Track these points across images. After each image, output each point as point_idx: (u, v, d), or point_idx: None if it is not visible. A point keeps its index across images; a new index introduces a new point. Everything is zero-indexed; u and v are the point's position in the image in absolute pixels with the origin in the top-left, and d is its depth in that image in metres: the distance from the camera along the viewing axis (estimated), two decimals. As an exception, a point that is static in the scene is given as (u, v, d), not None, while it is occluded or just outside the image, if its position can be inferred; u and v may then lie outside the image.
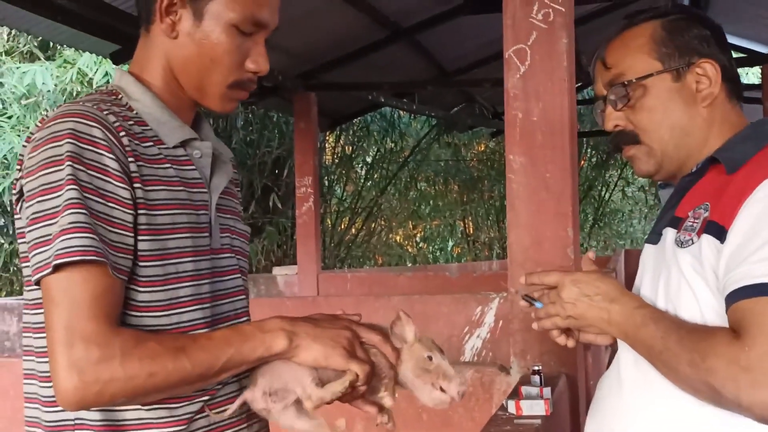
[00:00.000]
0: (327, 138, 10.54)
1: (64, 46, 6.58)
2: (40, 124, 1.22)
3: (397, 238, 12.67)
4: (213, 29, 1.25)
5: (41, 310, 1.16)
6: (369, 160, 11.56)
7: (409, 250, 12.86)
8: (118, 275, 1.14)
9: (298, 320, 1.23)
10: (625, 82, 1.37)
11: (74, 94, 8.37)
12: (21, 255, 1.23)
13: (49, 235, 1.11)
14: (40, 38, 7.56)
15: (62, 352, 1.09)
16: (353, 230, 11.11)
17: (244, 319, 1.33)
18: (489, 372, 2.56)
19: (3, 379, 3.33)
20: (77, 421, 1.18)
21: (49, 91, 8.32)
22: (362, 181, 11.39)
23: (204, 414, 1.23)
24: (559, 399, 2.12)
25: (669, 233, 1.31)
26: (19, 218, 1.21)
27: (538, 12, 2.33)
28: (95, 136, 1.16)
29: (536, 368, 2.09)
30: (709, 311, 1.19)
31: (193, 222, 1.24)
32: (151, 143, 1.23)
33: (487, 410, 2.49)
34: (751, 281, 1.09)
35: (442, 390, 1.25)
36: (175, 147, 1.27)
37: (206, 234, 1.27)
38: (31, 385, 1.24)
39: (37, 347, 1.21)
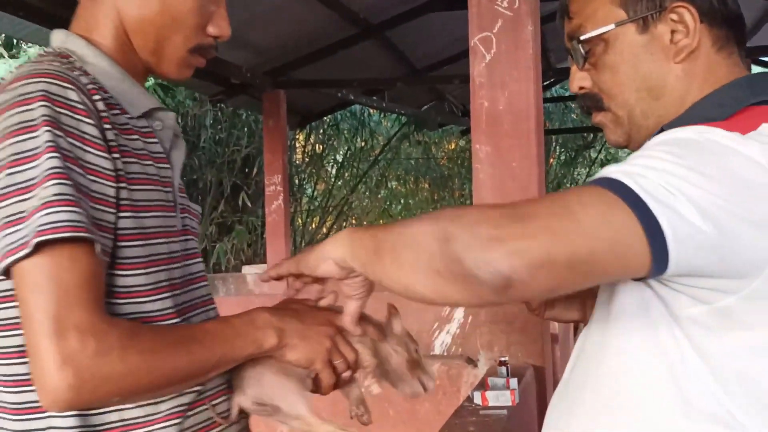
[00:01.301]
0: (297, 136, 10.48)
1: (28, 43, 6.46)
2: None
3: (369, 237, 12.65)
4: None
5: (8, 304, 1.01)
6: (339, 158, 11.52)
7: (381, 249, 12.84)
8: (104, 257, 1.00)
9: (285, 315, 1.16)
10: (582, 37, 1.15)
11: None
12: None
13: (23, 211, 0.95)
14: (4, 36, 7.43)
15: (51, 345, 0.94)
16: (324, 229, 11.06)
17: (212, 307, 1.23)
18: (456, 364, 2.54)
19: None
20: (49, 431, 1.04)
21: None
22: (333, 179, 11.34)
23: (198, 409, 1.13)
24: (526, 390, 2.10)
25: None
26: None
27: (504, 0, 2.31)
28: (72, 99, 1.01)
29: (503, 359, 2.07)
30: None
31: (163, 200, 1.13)
32: (118, 111, 1.11)
33: (454, 403, 2.46)
34: (601, 175, 0.96)
35: (421, 383, 1.24)
36: (138, 117, 1.14)
37: (173, 214, 1.16)
38: None
39: (2, 348, 1.05)
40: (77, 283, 0.96)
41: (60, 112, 1.00)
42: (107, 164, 1.03)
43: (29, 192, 0.96)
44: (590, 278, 0.94)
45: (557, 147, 12.87)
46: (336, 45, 6.01)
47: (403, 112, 8.95)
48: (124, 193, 1.05)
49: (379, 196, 12.13)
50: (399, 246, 0.98)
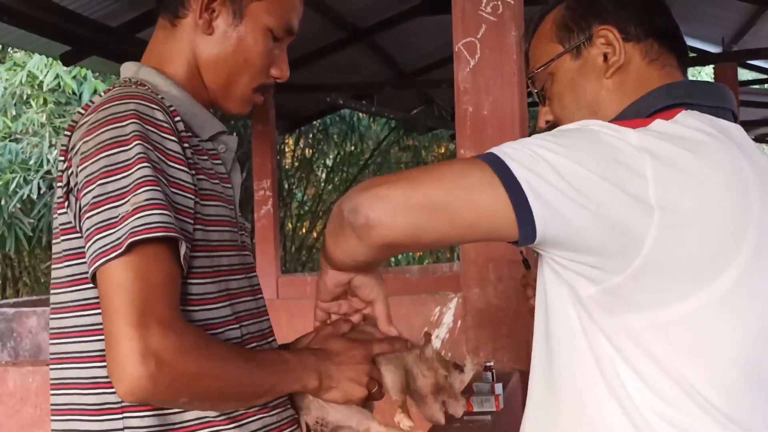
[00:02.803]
0: (286, 141, 10.47)
1: (14, 48, 6.43)
2: (83, 111, 1.17)
3: (359, 241, 12.64)
4: (251, 30, 1.24)
5: (93, 311, 1.09)
6: (329, 162, 11.51)
7: (371, 253, 12.83)
8: (183, 263, 1.07)
9: (326, 358, 1.22)
10: (531, 75, 1.28)
11: (24, 96, 8.21)
12: (56, 256, 1.15)
13: (116, 217, 1.03)
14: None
15: (136, 335, 0.99)
16: (314, 234, 11.05)
17: (266, 318, 1.30)
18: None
19: None
20: (125, 430, 1.10)
21: (-1, 93, 8.17)
22: (323, 184, 11.33)
23: (260, 416, 1.18)
24: (511, 394, 2.10)
25: None
26: (64, 213, 1.13)
27: (487, 5, 2.31)
28: (158, 119, 1.11)
29: (488, 364, 2.07)
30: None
31: (228, 216, 1.21)
32: (191, 133, 1.20)
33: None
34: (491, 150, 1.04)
35: (444, 407, 1.29)
36: (206, 140, 1.23)
37: (235, 229, 1.24)
38: (69, 395, 1.14)
39: (81, 352, 1.12)
40: (162, 282, 1.03)
41: (149, 129, 1.09)
42: (188, 178, 1.12)
43: (122, 199, 1.04)
44: (455, 229, 1.02)
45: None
46: (324, 49, 6.01)
47: (392, 116, 8.96)
48: (198, 207, 1.13)
49: (369, 200, 12.12)
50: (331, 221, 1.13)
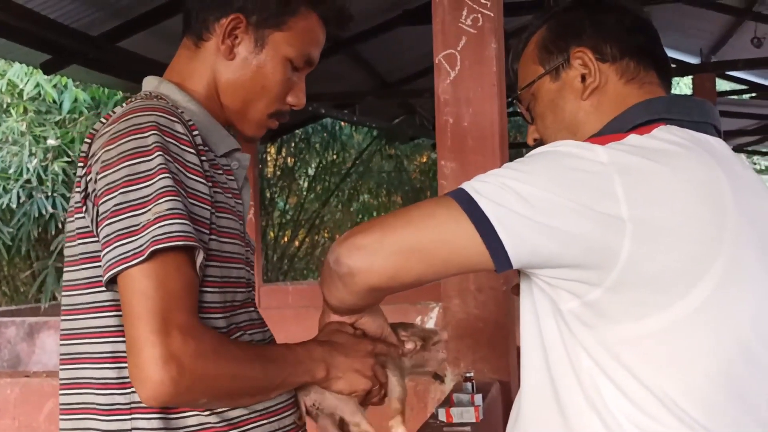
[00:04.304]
0: (268, 149, 10.45)
1: (-7, 56, 6.38)
2: (105, 120, 1.21)
3: (341, 250, 12.61)
4: (271, 59, 1.28)
5: (107, 314, 1.13)
6: (311, 171, 11.49)
7: (353, 262, 12.81)
8: (200, 272, 1.12)
9: (333, 350, 1.26)
10: (515, 95, 1.32)
11: (4, 105, 8.14)
12: (71, 259, 1.18)
13: (137, 225, 1.07)
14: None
15: (158, 341, 1.03)
16: (296, 243, 11.02)
17: (267, 329, 1.33)
18: (423, 381, 2.54)
19: None
20: (133, 430, 1.13)
21: (-22, 102, 8.09)
22: (305, 193, 11.32)
23: (260, 422, 1.21)
24: (491, 405, 2.11)
25: None
26: (81, 217, 1.16)
27: (467, 17, 2.33)
28: (178, 131, 1.14)
29: (468, 375, 2.07)
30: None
31: (238, 230, 1.24)
32: (207, 147, 1.23)
33: (421, 420, 2.46)
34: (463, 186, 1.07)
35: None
36: (221, 156, 1.27)
37: (243, 244, 1.27)
38: (80, 394, 1.18)
39: (93, 353, 1.16)
40: (181, 289, 1.07)
41: (168, 141, 1.12)
42: (205, 190, 1.15)
43: (144, 208, 1.07)
44: (432, 267, 1.07)
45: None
46: (306, 59, 6.00)
47: (374, 125, 8.97)
48: (213, 218, 1.17)
49: (351, 209, 12.10)
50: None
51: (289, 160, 10.93)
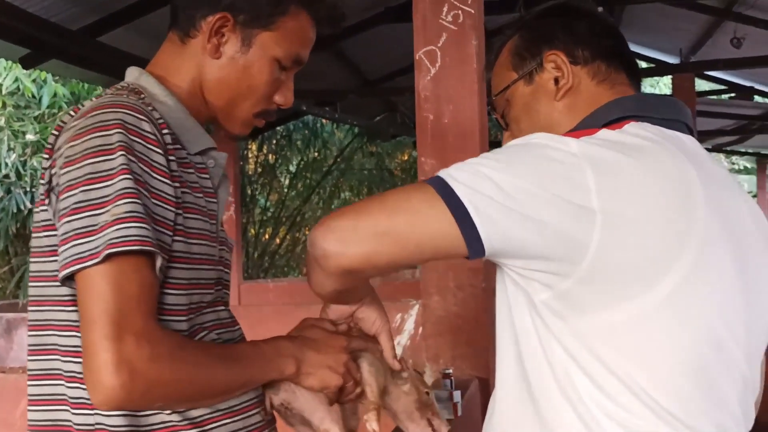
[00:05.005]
0: (249, 146, 10.41)
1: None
2: (73, 113, 1.19)
3: (322, 247, 12.59)
4: (258, 59, 1.26)
5: (71, 308, 1.11)
6: (292, 168, 11.47)
7: (335, 259, 12.80)
8: (160, 274, 1.10)
9: (304, 345, 1.25)
10: (489, 101, 1.35)
11: (-18, 100, 8.07)
12: (39, 250, 1.17)
13: (95, 225, 1.05)
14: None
15: (110, 347, 1.02)
16: (277, 240, 10.99)
17: (237, 328, 1.32)
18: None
19: None
20: (97, 426, 1.13)
21: (-44, 97, 8.01)
22: (286, 190, 11.29)
23: (224, 422, 1.20)
24: (470, 402, 2.11)
25: None
26: (45, 210, 1.15)
27: (448, 13, 2.33)
28: (145, 130, 1.12)
29: (447, 372, 2.08)
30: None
31: (208, 230, 1.23)
32: (179, 146, 1.21)
33: (400, 416, 2.46)
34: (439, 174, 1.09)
35: (431, 425, 1.30)
36: (195, 154, 1.25)
37: (214, 244, 1.25)
38: (54, 385, 1.17)
39: (61, 345, 1.15)
40: (137, 293, 1.06)
41: (134, 140, 1.10)
42: (170, 191, 1.13)
43: (103, 208, 1.06)
44: (406, 251, 1.08)
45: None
46: (288, 56, 5.98)
47: (355, 123, 8.95)
48: (179, 219, 1.15)
49: (333, 206, 12.09)
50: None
51: (270, 157, 10.89)
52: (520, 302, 1.11)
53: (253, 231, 10.47)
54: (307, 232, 11.60)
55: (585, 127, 1.16)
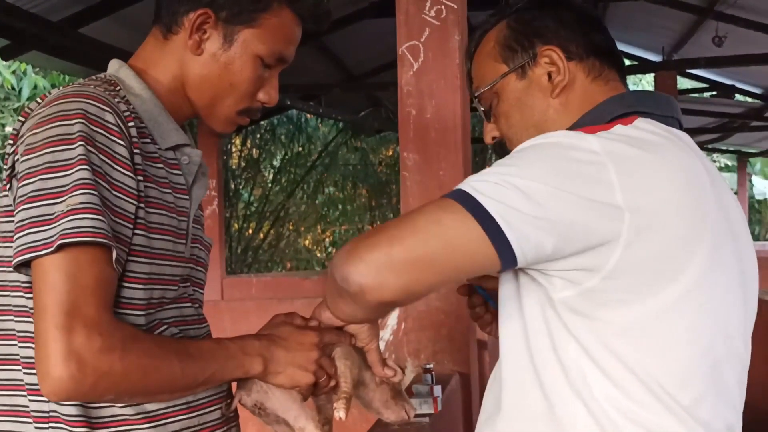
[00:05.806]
0: (233, 141, 10.37)
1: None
2: (40, 101, 1.19)
3: (306, 242, 12.57)
4: (240, 56, 1.25)
5: (30, 294, 1.10)
6: (276, 163, 11.44)
7: (318, 254, 12.78)
8: (117, 266, 1.09)
9: (273, 343, 1.23)
10: (476, 94, 1.31)
11: (-38, 91, 7.99)
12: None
13: (51, 214, 1.05)
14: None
15: (59, 338, 1.02)
16: (261, 235, 10.96)
17: (205, 325, 1.31)
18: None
19: None
20: (51, 414, 1.12)
21: (-65, 88, 7.93)
22: (269, 184, 11.26)
23: (179, 417, 1.19)
24: (450, 397, 2.11)
25: None
26: (5, 195, 1.15)
27: (431, 8, 2.33)
28: (107, 121, 1.12)
29: (428, 366, 2.08)
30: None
31: (175, 227, 1.22)
32: (149, 140, 1.21)
33: (381, 411, 2.46)
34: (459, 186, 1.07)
35: (405, 410, 1.34)
36: (167, 149, 1.24)
37: (183, 241, 1.24)
38: (12, 371, 1.16)
39: (20, 331, 1.14)
40: (91, 284, 1.05)
41: (95, 131, 1.10)
42: (132, 183, 1.13)
43: (59, 198, 1.06)
44: (444, 275, 1.05)
45: (493, 155, 13.02)
46: (271, 50, 5.96)
47: (340, 117, 8.94)
48: (141, 213, 1.15)
49: (317, 201, 12.08)
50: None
51: (254, 151, 10.86)
52: (532, 298, 1.10)
53: (236, 226, 10.43)
54: (291, 227, 11.59)
55: (589, 123, 1.16)
